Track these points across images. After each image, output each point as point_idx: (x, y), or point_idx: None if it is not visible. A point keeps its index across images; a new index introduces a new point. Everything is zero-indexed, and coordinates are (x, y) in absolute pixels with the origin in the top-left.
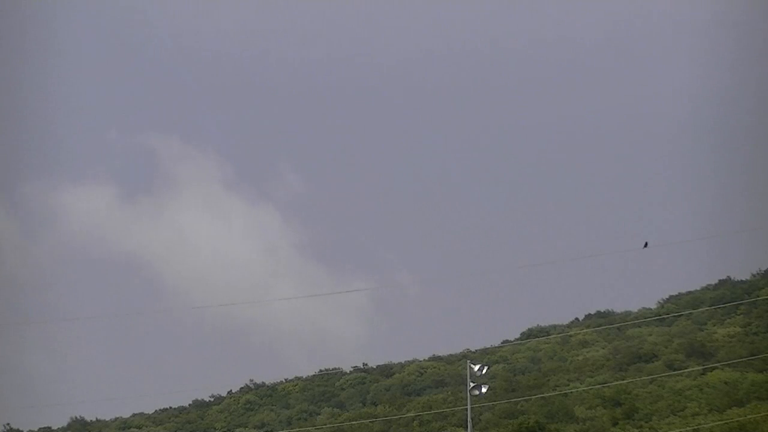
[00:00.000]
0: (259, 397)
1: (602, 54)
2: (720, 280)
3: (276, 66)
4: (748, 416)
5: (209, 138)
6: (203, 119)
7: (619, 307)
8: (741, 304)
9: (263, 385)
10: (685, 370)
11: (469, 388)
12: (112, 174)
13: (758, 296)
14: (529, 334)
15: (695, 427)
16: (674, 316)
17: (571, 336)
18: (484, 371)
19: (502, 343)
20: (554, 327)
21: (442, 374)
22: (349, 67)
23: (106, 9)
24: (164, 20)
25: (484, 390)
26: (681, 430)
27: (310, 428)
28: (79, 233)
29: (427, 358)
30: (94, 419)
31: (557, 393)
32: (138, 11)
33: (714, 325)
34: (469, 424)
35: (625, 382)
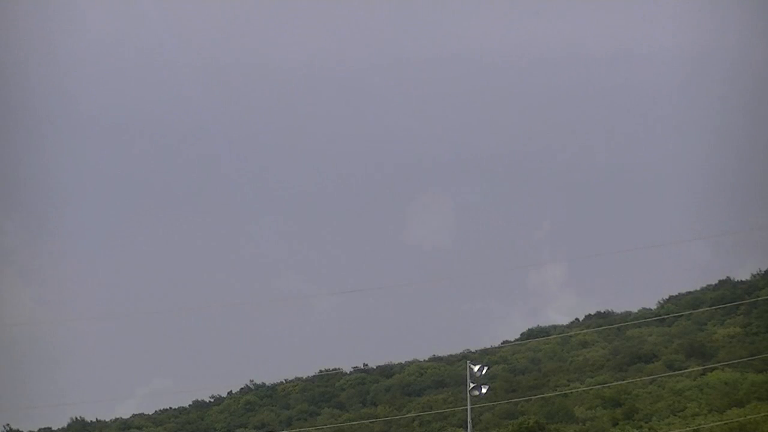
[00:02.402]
0: (259, 397)
1: (605, 55)
2: (720, 280)
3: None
4: (748, 416)
5: None
6: None
7: (619, 307)
8: (741, 304)
9: (263, 385)
10: (685, 371)
11: (469, 389)
12: None
13: (758, 296)
14: (529, 334)
15: (695, 428)
16: (674, 316)
17: (571, 336)
18: (484, 372)
19: (502, 343)
20: (554, 327)
21: (442, 375)
22: (349, 64)
23: None
24: None
25: (484, 390)
26: (681, 430)
27: (310, 428)
28: None
29: (427, 359)
30: (94, 419)
31: (557, 393)
32: None
33: (714, 326)
34: (469, 425)
35: (625, 382)
